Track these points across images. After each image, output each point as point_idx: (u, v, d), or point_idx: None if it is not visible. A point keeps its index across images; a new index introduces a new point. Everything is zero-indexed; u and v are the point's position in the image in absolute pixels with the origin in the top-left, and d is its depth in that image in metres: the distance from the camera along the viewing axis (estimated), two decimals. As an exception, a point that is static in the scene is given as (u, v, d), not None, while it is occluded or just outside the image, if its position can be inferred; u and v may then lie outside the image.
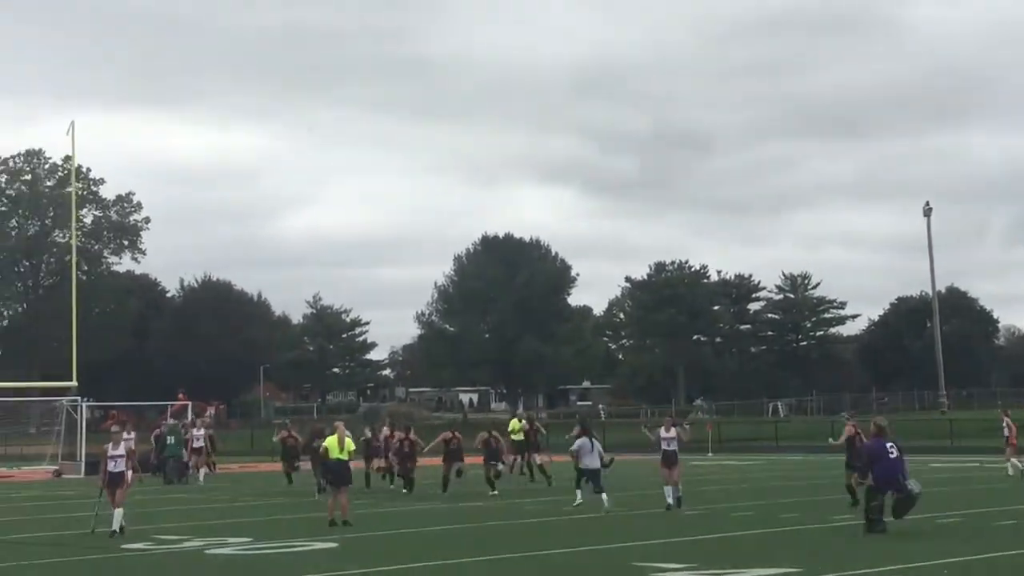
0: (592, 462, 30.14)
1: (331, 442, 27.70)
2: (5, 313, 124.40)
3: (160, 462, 47.54)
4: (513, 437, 44.60)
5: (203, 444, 46.85)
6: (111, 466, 26.60)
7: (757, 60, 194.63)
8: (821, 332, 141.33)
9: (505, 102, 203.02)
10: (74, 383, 60.14)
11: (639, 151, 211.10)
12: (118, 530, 25.77)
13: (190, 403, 58.92)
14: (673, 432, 30.42)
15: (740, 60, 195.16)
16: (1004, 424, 42.61)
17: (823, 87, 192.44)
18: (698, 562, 19.91)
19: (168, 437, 47.46)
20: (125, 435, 45.49)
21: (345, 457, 27.54)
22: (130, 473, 26.99)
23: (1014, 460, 41.79)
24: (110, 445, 27.14)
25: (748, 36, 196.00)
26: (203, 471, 46.39)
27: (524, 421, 44.73)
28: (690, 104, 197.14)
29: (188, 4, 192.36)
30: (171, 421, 49.84)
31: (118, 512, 26.03)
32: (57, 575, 21.05)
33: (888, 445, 24.36)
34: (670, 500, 29.65)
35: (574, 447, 30.47)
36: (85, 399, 62.01)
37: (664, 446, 30.26)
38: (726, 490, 37.88)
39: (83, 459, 53.41)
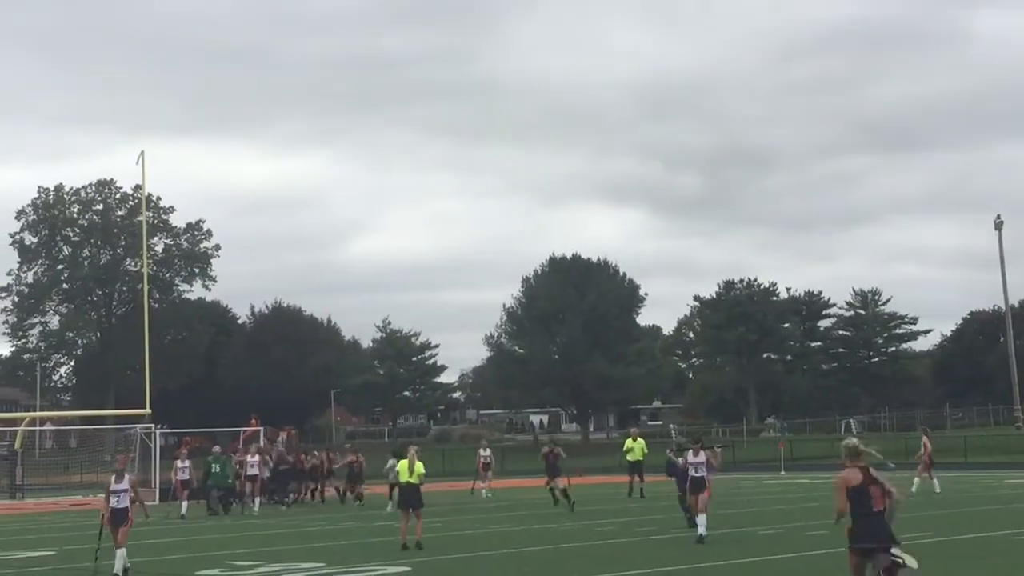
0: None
1: (402, 466, 27.87)
2: (80, 342, 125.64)
3: (205, 490, 46.19)
4: (629, 458, 44.40)
5: (257, 472, 45.34)
6: (114, 502, 23.55)
7: (819, 75, 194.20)
8: (893, 348, 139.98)
9: (568, 123, 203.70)
10: (148, 410, 60.66)
11: (703, 169, 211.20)
12: (120, 574, 23.16)
13: (262, 428, 59.13)
14: (702, 456, 27.90)
15: (802, 75, 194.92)
16: (922, 443, 44.09)
17: (887, 101, 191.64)
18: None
19: (212, 465, 45.70)
20: (179, 463, 45.63)
21: (416, 481, 27.59)
22: (136, 507, 23.94)
23: (927, 476, 43.10)
24: (112, 478, 23.98)
25: (810, 51, 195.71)
26: (259, 499, 45.07)
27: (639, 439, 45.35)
28: (753, 121, 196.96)
29: (252, 33, 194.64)
30: (216, 449, 47.95)
31: (120, 553, 23.23)
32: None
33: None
34: (702, 531, 26.67)
35: (387, 467, 40.86)
36: (159, 426, 62.56)
37: (692, 472, 27.80)
38: (799, 509, 37.61)
39: (157, 486, 53.83)
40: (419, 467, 27.73)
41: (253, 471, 45.22)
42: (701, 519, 26.90)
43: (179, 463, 45.64)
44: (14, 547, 31.94)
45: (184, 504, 43.36)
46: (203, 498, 45.68)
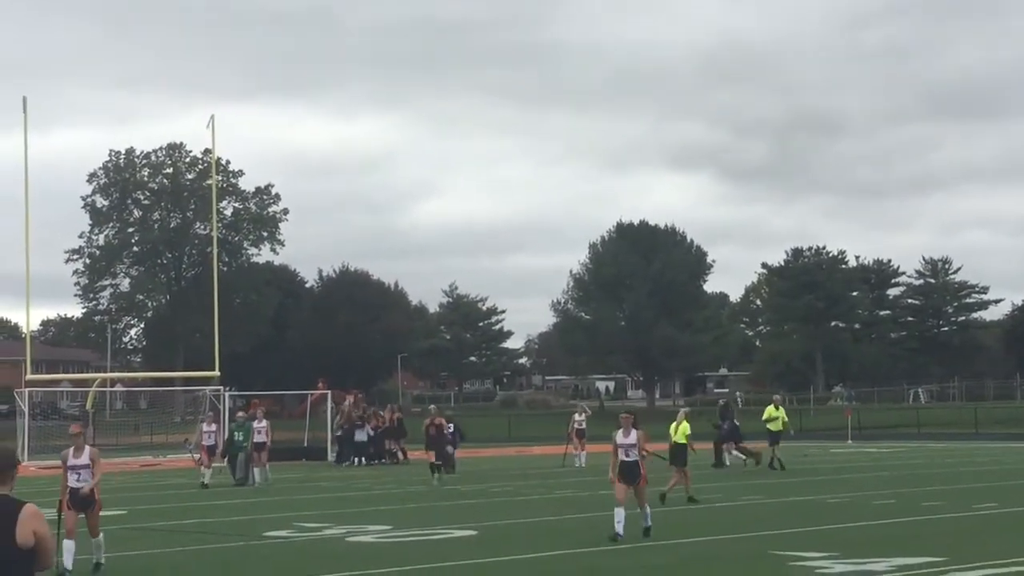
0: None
1: (673, 427, 31.01)
2: (150, 304, 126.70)
3: (229, 457, 42.18)
4: (769, 426, 43.20)
5: (265, 439, 40.65)
6: (72, 479, 19.36)
7: (890, 41, 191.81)
8: (963, 317, 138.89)
9: (635, 88, 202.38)
10: (216, 373, 61.12)
11: (771, 136, 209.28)
12: (101, 561, 19.37)
13: (330, 392, 59.43)
14: (633, 437, 22.29)
15: (872, 41, 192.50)
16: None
17: (958, 67, 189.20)
18: (839, 551, 19.67)
19: (236, 433, 41.68)
20: (205, 427, 41.98)
21: (680, 440, 30.37)
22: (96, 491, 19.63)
23: (735, 453, 43.60)
24: (71, 451, 19.69)
25: (880, 17, 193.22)
26: (258, 469, 40.15)
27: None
28: (822, 87, 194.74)
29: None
30: (241, 415, 43.66)
31: (96, 542, 19.40)
32: (204, 561, 21.19)
33: (449, 427, 42.35)
34: (619, 529, 21.67)
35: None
36: (228, 388, 63.02)
37: (622, 456, 22.21)
38: (866, 478, 37.44)
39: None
40: (683, 428, 30.64)
41: (260, 438, 40.70)
42: (647, 511, 22.52)
43: (205, 427, 42.22)
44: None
45: (207, 472, 39.71)
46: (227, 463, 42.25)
